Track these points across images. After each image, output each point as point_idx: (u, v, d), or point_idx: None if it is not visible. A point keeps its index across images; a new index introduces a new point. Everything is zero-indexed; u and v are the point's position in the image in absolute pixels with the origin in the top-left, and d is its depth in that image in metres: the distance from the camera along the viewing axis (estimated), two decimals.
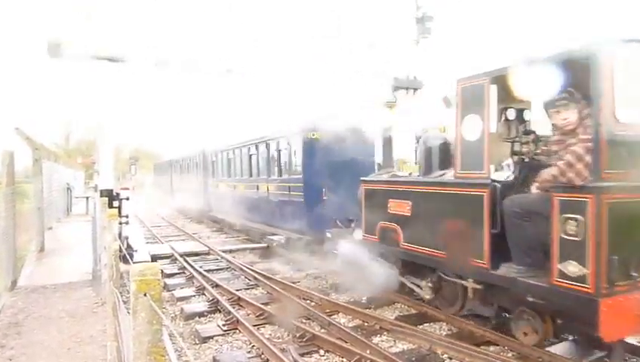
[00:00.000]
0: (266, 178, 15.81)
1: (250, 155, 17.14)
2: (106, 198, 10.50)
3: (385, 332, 7.19)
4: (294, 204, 13.34)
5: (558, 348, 6.22)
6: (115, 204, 12.17)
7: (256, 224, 16.44)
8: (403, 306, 8.51)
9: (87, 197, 24.46)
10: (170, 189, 33.86)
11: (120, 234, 11.20)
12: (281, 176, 14.73)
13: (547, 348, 6.17)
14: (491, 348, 6.36)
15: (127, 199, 12.80)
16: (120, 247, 7.09)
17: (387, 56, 18.06)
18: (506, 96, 6.72)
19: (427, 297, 7.77)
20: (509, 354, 6.14)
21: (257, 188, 16.47)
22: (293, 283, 10.24)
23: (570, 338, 6.57)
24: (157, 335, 2.27)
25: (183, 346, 6.65)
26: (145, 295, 2.28)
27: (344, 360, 6.19)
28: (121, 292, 5.85)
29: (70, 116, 55.76)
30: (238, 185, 18.58)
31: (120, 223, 10.99)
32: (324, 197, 12.07)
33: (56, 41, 12.09)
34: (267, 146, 15.59)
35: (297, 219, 12.81)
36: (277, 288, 9.59)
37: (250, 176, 17.26)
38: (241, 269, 11.69)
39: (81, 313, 8.35)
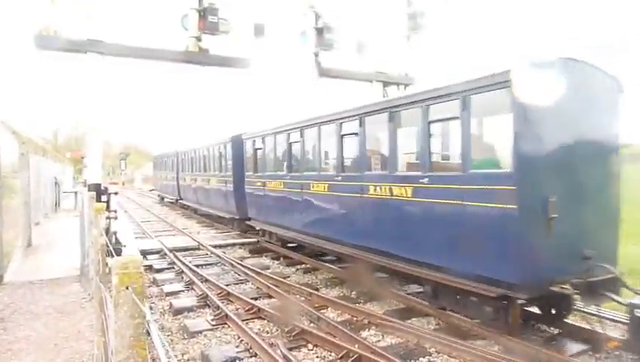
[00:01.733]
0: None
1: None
2: (94, 193, 10.38)
3: (373, 327, 7.22)
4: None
5: (544, 342, 6.28)
6: (104, 198, 12.08)
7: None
8: (392, 301, 8.54)
9: (76, 192, 24.26)
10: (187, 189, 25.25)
11: (108, 229, 11.13)
12: None
13: (531, 343, 6.23)
14: (478, 342, 6.41)
15: (116, 194, 12.69)
16: (107, 242, 7.03)
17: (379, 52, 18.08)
18: None
19: None
20: (496, 348, 6.19)
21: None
22: (284, 278, 10.24)
23: (556, 332, 6.64)
24: (139, 329, 2.25)
25: (164, 343, 6.63)
26: (127, 288, 2.26)
27: (332, 354, 6.21)
28: (108, 288, 5.81)
29: (59, 110, 55.32)
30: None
31: (108, 218, 10.90)
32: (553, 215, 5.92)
33: (42, 32, 11.96)
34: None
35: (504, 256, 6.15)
36: (267, 283, 9.58)
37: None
38: (231, 264, 11.67)
39: (68, 308, 8.30)
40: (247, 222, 15.42)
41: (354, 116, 9.31)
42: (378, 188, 8.49)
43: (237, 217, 16.53)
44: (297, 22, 16.59)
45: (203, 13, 14.61)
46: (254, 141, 14.43)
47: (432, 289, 7.54)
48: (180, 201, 27.15)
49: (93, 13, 13.49)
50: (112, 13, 14.05)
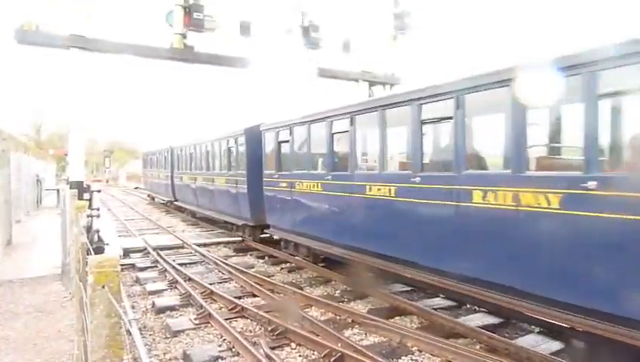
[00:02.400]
0: None
1: None
2: (76, 190, 10.25)
3: (357, 326, 7.23)
4: None
5: (524, 341, 6.35)
6: (86, 196, 11.93)
7: None
8: (376, 300, 8.57)
9: (58, 190, 23.92)
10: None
11: (90, 228, 11.00)
12: None
13: (514, 340, 6.31)
14: (460, 341, 6.46)
15: (99, 191, 12.54)
16: (87, 240, 6.95)
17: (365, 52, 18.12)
18: None
19: None
20: (478, 347, 6.24)
21: None
22: (268, 277, 10.21)
23: (537, 330, 6.73)
24: (115, 329, 2.23)
25: (138, 343, 6.58)
26: (103, 287, 2.23)
27: (315, 353, 6.21)
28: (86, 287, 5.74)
29: (41, 106, 54.54)
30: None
31: (90, 216, 10.77)
32: None
33: (24, 27, 11.78)
34: None
35: None
36: (251, 282, 9.55)
37: None
38: (215, 263, 11.60)
39: (49, 308, 8.19)
40: (266, 231, 12.93)
41: (447, 95, 6.50)
42: (490, 194, 5.84)
43: (251, 224, 13.78)
44: (283, 20, 16.55)
45: (188, 10, 14.51)
46: (278, 133, 11.62)
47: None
48: (176, 203, 24.13)
49: (75, 8, 13.31)
50: (95, 9, 13.89)
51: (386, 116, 7.90)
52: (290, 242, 11.58)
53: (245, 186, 13.58)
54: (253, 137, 13.19)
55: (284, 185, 11.22)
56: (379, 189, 7.91)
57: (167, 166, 25.23)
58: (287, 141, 11.24)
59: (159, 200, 29.67)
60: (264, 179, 12.42)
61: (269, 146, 12.41)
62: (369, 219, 8.32)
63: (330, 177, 9.33)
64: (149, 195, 33.75)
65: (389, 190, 7.65)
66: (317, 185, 9.75)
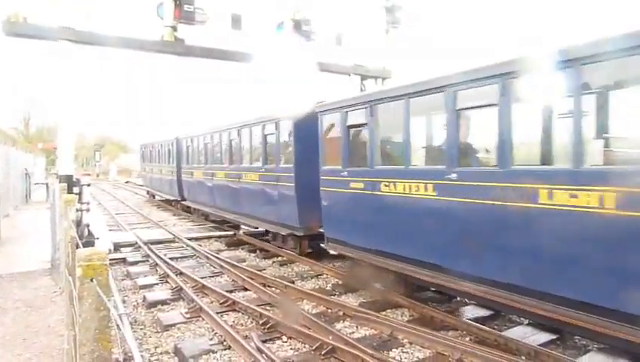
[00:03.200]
0: None
1: None
2: (65, 184, 10.17)
3: (348, 319, 7.26)
4: None
5: (514, 332, 6.42)
6: (76, 190, 11.84)
7: None
8: (367, 293, 8.60)
9: (47, 184, 23.73)
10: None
11: (80, 222, 10.92)
12: None
13: (503, 332, 6.37)
14: (450, 333, 6.51)
15: (89, 185, 12.44)
16: (76, 234, 6.90)
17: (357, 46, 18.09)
18: None
19: None
20: (467, 339, 6.30)
21: None
22: (259, 270, 10.21)
23: (525, 322, 6.79)
24: (104, 322, 2.22)
25: (129, 337, 6.57)
26: (91, 280, 2.22)
27: (306, 346, 6.23)
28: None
29: (30, 99, 53.99)
30: None
31: (80, 210, 10.69)
32: None
33: (11, 18, 11.63)
34: None
35: None
36: (242, 276, 9.54)
37: None
38: (207, 257, 11.58)
39: (38, 303, 8.14)
40: (329, 244, 9.63)
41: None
42: None
43: (298, 233, 10.86)
44: (274, 13, 16.46)
45: (179, 2, 14.38)
46: (346, 114, 8.78)
47: None
48: (183, 203, 20.72)
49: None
50: (85, 0, 13.74)
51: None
52: (359, 262, 8.71)
53: (292, 185, 10.64)
54: (305, 121, 10.31)
55: (357, 185, 8.42)
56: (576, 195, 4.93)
57: (171, 160, 22.14)
58: (363, 125, 8.41)
59: (160, 198, 26.36)
60: (322, 177, 9.50)
61: (330, 133, 9.54)
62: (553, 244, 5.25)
63: (454, 176, 6.36)
64: (148, 192, 30.61)
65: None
66: (427, 187, 6.82)
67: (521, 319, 6.77)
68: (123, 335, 5.88)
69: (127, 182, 49.41)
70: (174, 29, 14.80)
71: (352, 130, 8.92)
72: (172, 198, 22.73)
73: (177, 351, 6.12)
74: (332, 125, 9.46)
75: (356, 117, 8.57)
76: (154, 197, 28.51)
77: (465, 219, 6.24)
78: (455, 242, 6.44)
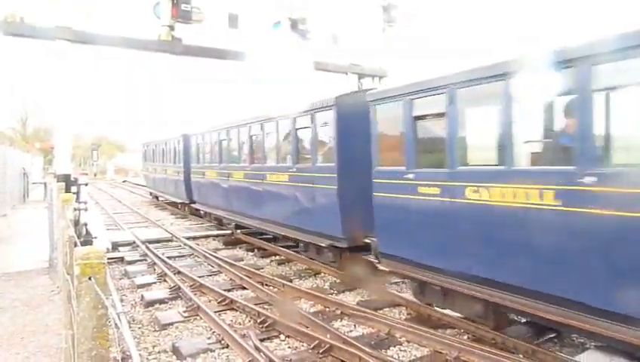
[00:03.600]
0: None
1: None
2: (63, 183, 10.16)
3: (346, 317, 7.28)
4: None
5: (511, 331, 6.44)
6: (74, 189, 11.82)
7: None
8: (365, 291, 8.62)
9: (45, 183, 23.68)
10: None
11: (78, 221, 10.92)
12: None
13: (500, 331, 6.38)
14: (448, 331, 6.54)
15: (86, 185, 12.43)
16: (74, 234, 6.90)
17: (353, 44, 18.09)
18: None
19: None
20: (465, 337, 6.32)
21: None
22: (257, 269, 10.22)
23: (523, 321, 6.81)
24: (102, 321, 2.23)
25: (127, 336, 6.57)
26: (89, 279, 2.23)
27: (304, 344, 6.24)
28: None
29: (27, 99, 53.85)
30: None
31: (77, 209, 10.69)
32: None
33: (8, 18, 11.59)
34: None
35: None
36: (240, 275, 9.55)
37: None
38: (205, 256, 11.58)
39: (36, 302, 8.13)
40: (383, 260, 7.72)
41: None
42: None
43: (341, 245, 9.01)
44: (271, 12, 16.44)
45: (176, 1, 14.34)
46: (411, 103, 7.02)
47: None
48: (193, 206, 18.87)
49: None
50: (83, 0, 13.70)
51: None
52: (431, 287, 6.95)
53: (334, 188, 9.02)
54: (351, 112, 8.80)
55: (430, 191, 6.68)
56: None
57: (178, 159, 20.43)
58: (438, 115, 6.65)
59: (164, 200, 24.63)
60: (376, 181, 7.78)
61: (388, 126, 7.85)
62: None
63: (592, 179, 4.65)
64: (151, 194, 28.70)
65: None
66: (543, 195, 5.12)
67: (519, 318, 6.79)
68: (121, 333, 5.89)
69: (124, 182, 49.33)
70: (171, 28, 14.76)
71: (422, 122, 7.13)
72: (179, 201, 21.01)
73: (175, 350, 6.13)
74: (390, 117, 7.63)
75: (428, 105, 6.82)
76: (157, 198, 26.89)
77: (613, 239, 4.51)
78: (593, 270, 4.67)
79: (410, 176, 7.04)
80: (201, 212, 18.10)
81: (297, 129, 10.49)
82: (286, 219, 10.88)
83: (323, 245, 9.55)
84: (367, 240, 8.43)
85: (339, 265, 9.64)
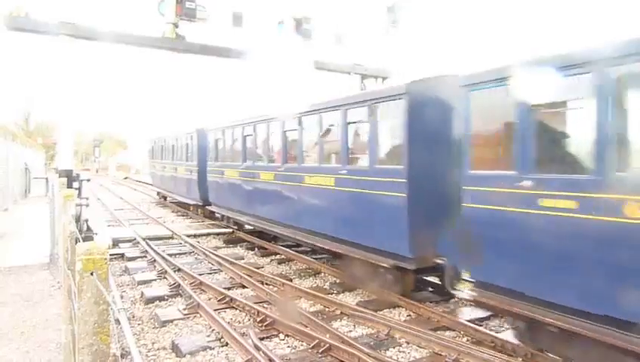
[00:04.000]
0: None
1: None
2: (65, 179, 10.17)
3: (345, 317, 7.28)
4: None
5: (511, 334, 6.43)
6: (75, 185, 11.85)
7: None
8: (364, 292, 8.62)
9: (47, 178, 23.70)
10: None
11: (79, 217, 10.94)
12: None
13: (500, 334, 6.39)
14: (447, 333, 6.53)
15: (88, 180, 12.44)
16: (76, 229, 6.91)
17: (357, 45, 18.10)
18: None
19: None
20: (464, 339, 6.32)
21: None
22: (257, 268, 10.22)
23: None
24: (103, 316, 2.23)
25: (127, 332, 6.57)
26: (91, 274, 2.23)
27: (303, 344, 6.25)
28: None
29: (30, 95, 54.00)
30: None
31: (79, 205, 10.71)
32: None
33: (12, 13, 11.62)
34: None
35: None
36: (240, 273, 9.55)
37: None
38: (205, 254, 11.59)
39: (36, 297, 8.14)
40: (477, 289, 6.09)
41: None
42: None
43: (409, 266, 7.42)
44: (275, 11, 16.46)
45: None
46: (556, 83, 5.13)
47: None
48: (208, 208, 16.74)
49: None
50: None
51: None
52: (547, 330, 5.36)
53: (403, 196, 7.37)
54: (424, 103, 7.30)
55: (559, 204, 4.99)
56: None
57: (190, 156, 18.59)
58: (574, 105, 5.30)
59: (173, 200, 22.53)
60: (469, 188, 6.12)
61: (490, 117, 6.20)
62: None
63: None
64: (158, 193, 26.41)
65: None
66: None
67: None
68: (121, 330, 5.89)
69: (125, 178, 49.41)
70: (175, 25, 14.81)
71: (546, 113, 5.46)
72: (191, 202, 18.96)
73: (175, 347, 6.13)
74: (497, 105, 5.98)
75: (559, 90, 5.23)
76: (165, 199, 24.67)
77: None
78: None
79: (526, 183, 5.37)
80: (217, 215, 16.37)
81: (349, 123, 8.78)
82: (330, 229, 9.25)
83: (385, 265, 7.80)
84: (438, 261, 7.12)
85: (401, 288, 7.90)
